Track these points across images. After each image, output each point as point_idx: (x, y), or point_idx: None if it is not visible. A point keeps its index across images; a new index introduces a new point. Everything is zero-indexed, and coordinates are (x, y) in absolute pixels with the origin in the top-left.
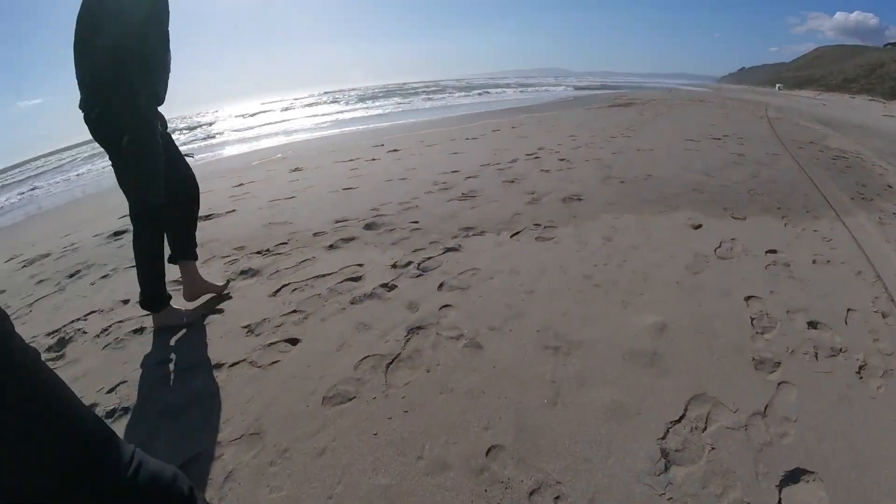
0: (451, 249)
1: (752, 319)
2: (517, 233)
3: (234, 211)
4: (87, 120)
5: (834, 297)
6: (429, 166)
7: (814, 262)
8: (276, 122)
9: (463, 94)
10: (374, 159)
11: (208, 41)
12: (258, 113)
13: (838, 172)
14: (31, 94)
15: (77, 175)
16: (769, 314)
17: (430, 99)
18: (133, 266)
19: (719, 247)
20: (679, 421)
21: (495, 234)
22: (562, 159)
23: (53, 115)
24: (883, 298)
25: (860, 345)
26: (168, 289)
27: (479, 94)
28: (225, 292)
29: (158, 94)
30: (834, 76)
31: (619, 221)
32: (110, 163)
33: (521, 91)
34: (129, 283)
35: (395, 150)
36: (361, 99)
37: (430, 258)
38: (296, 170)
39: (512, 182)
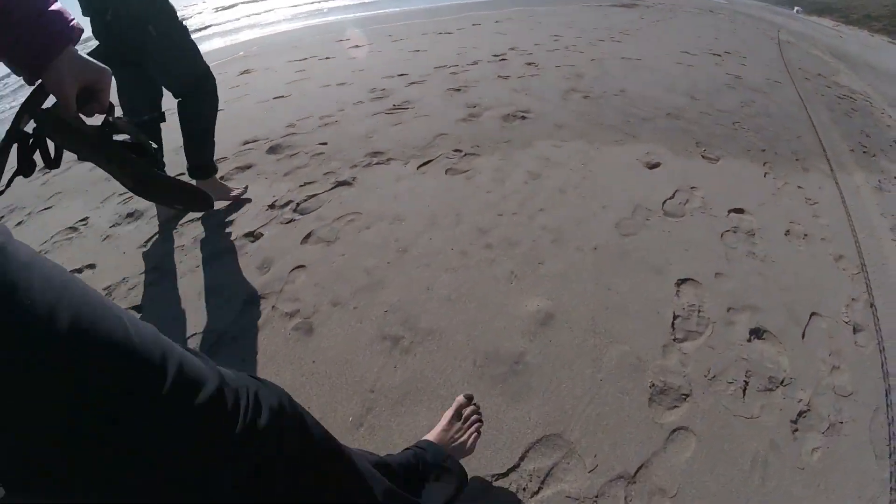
0: (342, 183)
1: (675, 318)
2: (427, 162)
3: None
4: (102, 24)
5: (798, 293)
6: (377, 67)
7: (787, 233)
8: (255, 14)
9: None
10: (327, 58)
11: None
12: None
13: (842, 115)
14: None
15: None
16: (702, 311)
17: None
18: None
19: (672, 197)
20: (506, 475)
21: (403, 162)
22: (529, 63)
23: None
24: (861, 302)
25: (811, 376)
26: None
27: None
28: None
29: None
30: (857, 9)
31: (560, 151)
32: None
33: None
34: None
35: (356, 47)
36: None
37: (314, 195)
38: (244, 72)
39: (457, 90)
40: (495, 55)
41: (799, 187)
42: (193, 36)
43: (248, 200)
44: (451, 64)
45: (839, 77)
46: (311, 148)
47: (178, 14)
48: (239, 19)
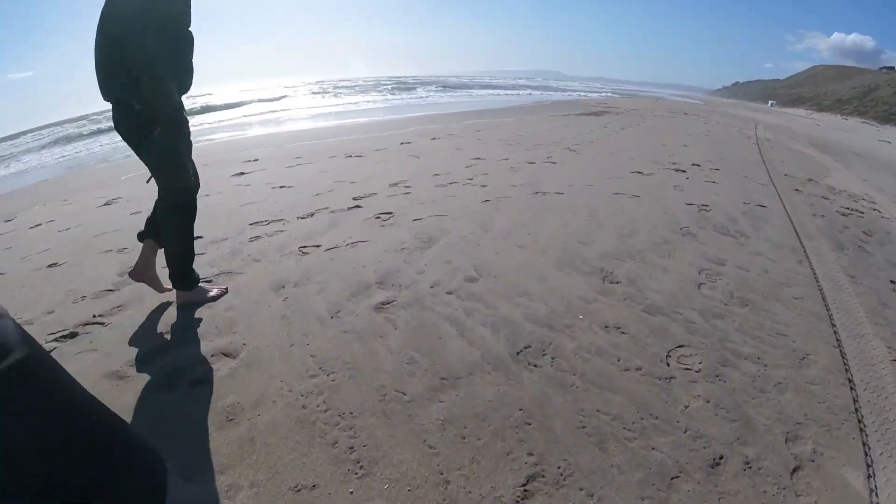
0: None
1: None
2: None
3: None
4: (125, 110)
5: None
6: (239, 204)
7: None
8: (228, 120)
9: (439, 90)
10: (241, 173)
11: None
12: (222, 108)
13: (856, 255)
14: (23, 67)
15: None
16: None
17: (391, 96)
18: None
19: None
20: None
21: None
22: (382, 214)
23: (45, 88)
24: None
25: None
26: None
27: (456, 92)
28: (163, 291)
29: (185, 84)
30: (827, 96)
31: None
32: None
33: (501, 92)
34: None
35: (248, 175)
36: (332, 91)
37: None
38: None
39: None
40: (393, 184)
41: None
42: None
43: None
44: (324, 207)
45: (832, 178)
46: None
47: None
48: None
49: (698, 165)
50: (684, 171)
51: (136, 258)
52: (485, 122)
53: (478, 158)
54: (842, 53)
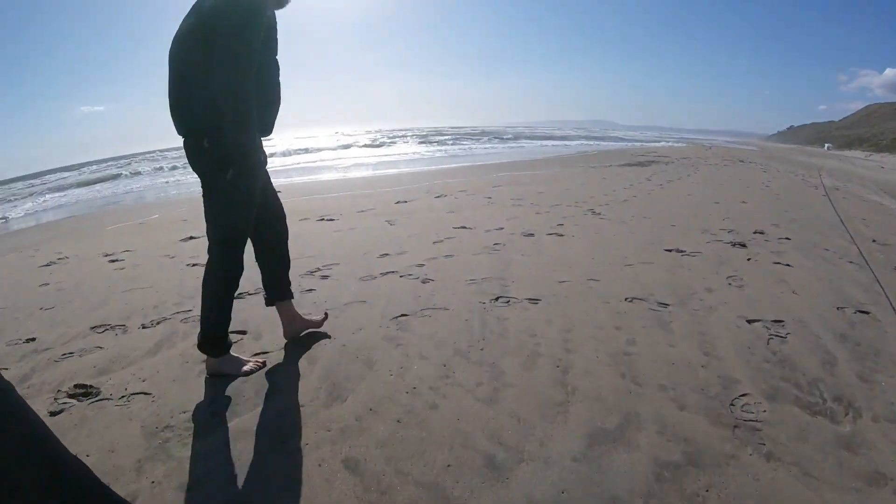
0: None
1: None
2: None
3: None
4: (194, 146)
5: None
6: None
7: None
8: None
9: (487, 141)
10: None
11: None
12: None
13: None
14: (95, 100)
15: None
16: None
17: (443, 144)
18: None
19: None
20: None
21: None
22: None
23: (115, 123)
24: None
25: None
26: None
27: (502, 142)
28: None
29: (268, 123)
30: (885, 135)
31: None
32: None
33: (549, 143)
34: None
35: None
36: (384, 141)
37: None
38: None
39: None
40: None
41: None
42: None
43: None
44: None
45: None
46: None
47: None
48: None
49: (761, 233)
50: (744, 246)
51: (283, 324)
52: (511, 176)
53: (462, 227)
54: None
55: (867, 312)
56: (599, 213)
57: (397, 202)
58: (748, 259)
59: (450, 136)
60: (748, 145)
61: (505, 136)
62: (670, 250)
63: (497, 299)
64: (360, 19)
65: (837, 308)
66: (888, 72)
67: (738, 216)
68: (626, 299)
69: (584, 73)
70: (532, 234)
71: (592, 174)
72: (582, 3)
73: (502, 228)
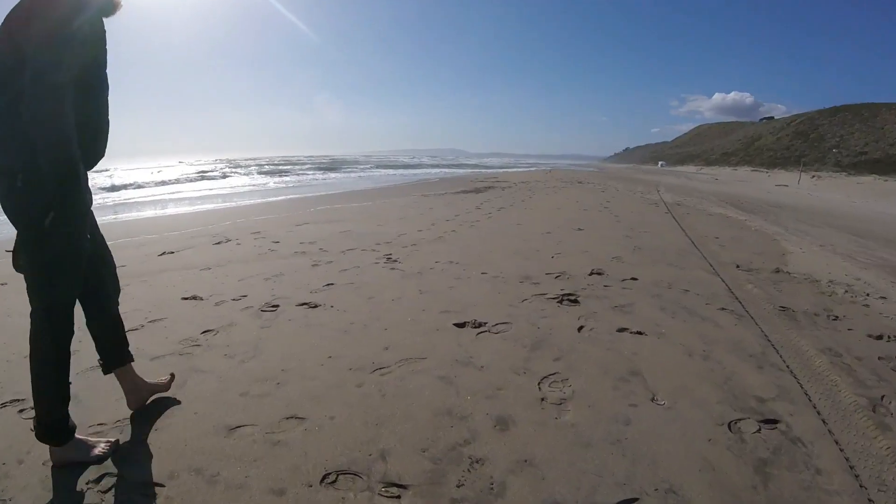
0: None
1: None
2: None
3: None
4: (10, 189)
5: None
6: None
7: None
8: None
9: (338, 170)
10: None
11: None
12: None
13: None
14: None
15: None
16: None
17: (286, 175)
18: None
19: None
20: None
21: None
22: None
23: None
24: None
25: None
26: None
27: (352, 171)
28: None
29: (94, 154)
30: (714, 151)
31: None
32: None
33: (399, 172)
34: None
35: None
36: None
37: None
38: None
39: None
40: None
41: None
42: None
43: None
44: None
45: (791, 257)
46: None
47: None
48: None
49: (600, 273)
50: (575, 301)
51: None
52: (330, 210)
53: (193, 298)
54: (723, 111)
55: (775, 422)
56: (395, 261)
57: (161, 254)
58: (579, 329)
59: (299, 166)
60: (588, 167)
61: (361, 166)
62: (463, 324)
63: None
64: (221, 38)
65: (728, 426)
66: (716, 96)
67: (572, 250)
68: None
69: (442, 102)
70: (275, 308)
71: (421, 204)
72: (435, 40)
73: (243, 297)
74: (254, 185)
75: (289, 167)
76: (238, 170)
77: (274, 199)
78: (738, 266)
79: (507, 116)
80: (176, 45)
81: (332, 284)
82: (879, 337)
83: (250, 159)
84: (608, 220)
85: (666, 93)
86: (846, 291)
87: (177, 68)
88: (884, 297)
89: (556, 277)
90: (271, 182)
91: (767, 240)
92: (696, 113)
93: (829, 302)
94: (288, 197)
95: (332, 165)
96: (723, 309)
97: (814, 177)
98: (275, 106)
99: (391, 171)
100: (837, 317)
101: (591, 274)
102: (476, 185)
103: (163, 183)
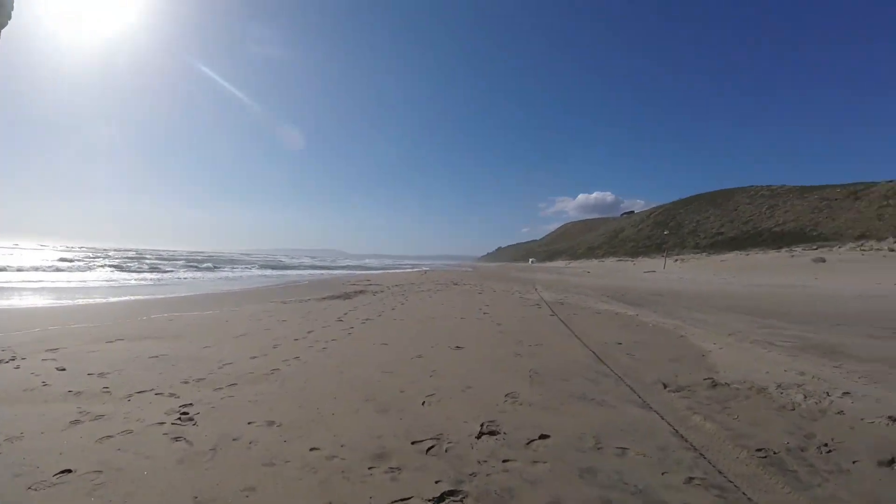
0: None
1: None
2: None
3: None
4: None
5: None
6: None
7: None
8: None
9: (203, 268)
10: None
11: None
12: None
13: None
14: None
15: None
16: None
17: (138, 272)
18: None
19: None
20: None
21: None
22: None
23: None
24: None
25: None
26: None
27: (218, 270)
28: None
29: None
30: (580, 246)
31: None
32: None
33: (268, 272)
34: None
35: None
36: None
37: None
38: None
39: None
40: None
41: None
42: None
43: None
44: None
45: (707, 358)
46: None
47: None
48: None
49: (493, 434)
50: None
51: None
52: (169, 319)
53: None
54: (587, 209)
55: None
56: (190, 420)
57: None
58: None
59: (171, 262)
60: (463, 266)
61: (241, 265)
62: None
63: None
64: (93, 119)
65: None
66: (580, 196)
67: (450, 386)
68: None
69: (324, 203)
70: None
71: (275, 315)
72: (320, 148)
73: None
74: (110, 281)
75: (153, 261)
76: (107, 260)
77: (115, 299)
78: (665, 386)
79: (385, 218)
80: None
81: (67, 473)
82: (891, 462)
83: (126, 250)
84: (490, 330)
85: (534, 196)
86: (805, 397)
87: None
88: (846, 393)
89: (429, 451)
90: (132, 279)
91: (673, 339)
92: (562, 212)
93: (801, 421)
94: (133, 298)
95: (206, 261)
96: (691, 480)
97: (677, 260)
98: (174, 198)
99: (268, 272)
100: (827, 444)
101: (480, 435)
102: (346, 289)
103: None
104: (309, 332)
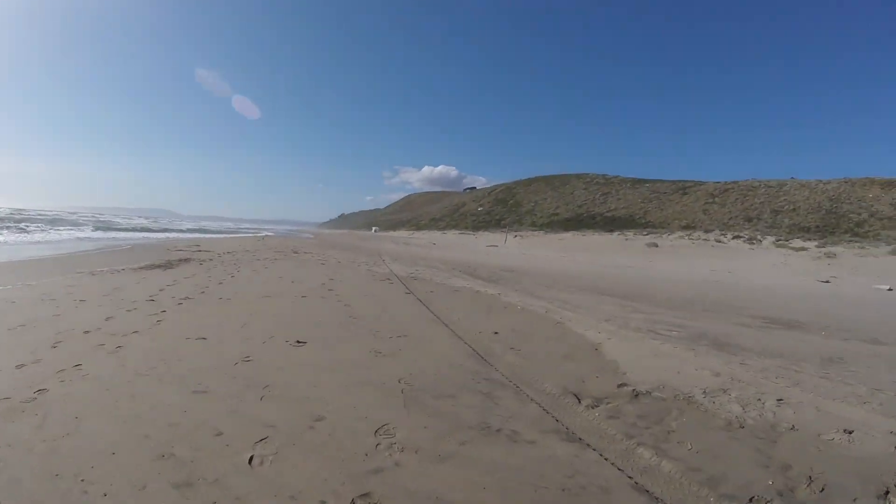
0: None
1: None
2: None
3: None
4: None
5: None
6: None
7: None
8: None
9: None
10: None
11: None
12: None
13: None
14: None
15: None
16: None
17: None
18: None
19: None
20: None
21: None
22: None
23: None
24: None
25: None
26: None
27: (25, 232)
28: None
29: None
30: (423, 217)
31: None
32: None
33: (95, 234)
34: None
35: None
36: None
37: None
38: None
39: None
40: None
41: None
42: None
43: None
44: None
45: (601, 352)
46: None
47: None
48: None
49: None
50: None
51: None
52: None
53: None
54: (432, 182)
55: None
56: None
57: None
58: None
59: None
60: (304, 233)
61: (61, 225)
62: None
63: None
64: None
65: None
66: (425, 168)
67: (286, 421)
68: None
69: (159, 161)
70: None
71: (75, 292)
72: (157, 93)
73: None
74: None
75: None
76: None
77: None
78: (578, 399)
79: (223, 179)
80: None
81: None
82: (887, 493)
83: None
84: (339, 314)
85: (380, 164)
86: (743, 408)
87: None
88: (780, 400)
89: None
90: None
91: (551, 326)
92: (406, 183)
93: (760, 444)
94: None
95: (25, 221)
96: None
97: (517, 236)
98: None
99: (95, 234)
100: (811, 478)
101: None
102: (170, 255)
103: None
104: (107, 320)
